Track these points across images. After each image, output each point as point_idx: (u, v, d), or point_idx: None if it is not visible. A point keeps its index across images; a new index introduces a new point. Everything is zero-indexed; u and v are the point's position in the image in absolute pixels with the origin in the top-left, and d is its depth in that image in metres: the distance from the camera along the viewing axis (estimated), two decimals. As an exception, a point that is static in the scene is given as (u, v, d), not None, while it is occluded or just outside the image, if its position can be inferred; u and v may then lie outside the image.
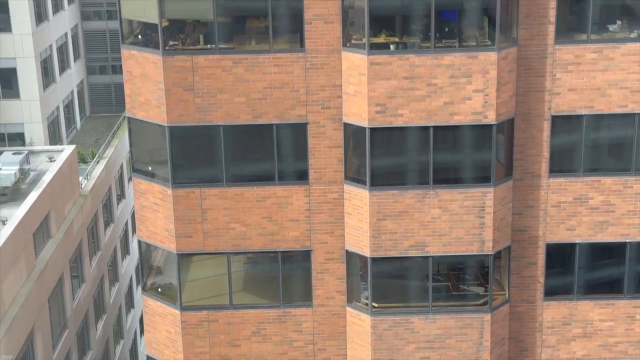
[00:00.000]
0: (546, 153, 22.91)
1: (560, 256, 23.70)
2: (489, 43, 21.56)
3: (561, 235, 23.45)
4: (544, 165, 23.00)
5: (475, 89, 21.67)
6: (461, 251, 22.89)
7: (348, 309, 23.70)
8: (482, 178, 22.48)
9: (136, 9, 22.74)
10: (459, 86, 21.64)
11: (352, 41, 21.83)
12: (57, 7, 51.46)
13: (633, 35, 22.15)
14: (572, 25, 22.18)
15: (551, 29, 21.97)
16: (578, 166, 23.01)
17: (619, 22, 22.22)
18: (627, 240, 23.47)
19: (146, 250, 24.49)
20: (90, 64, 57.50)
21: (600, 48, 22.06)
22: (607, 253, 23.70)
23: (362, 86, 21.72)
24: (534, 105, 22.55)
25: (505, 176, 22.87)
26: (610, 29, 22.20)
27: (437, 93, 21.69)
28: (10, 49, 45.99)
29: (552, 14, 21.87)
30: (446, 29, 21.59)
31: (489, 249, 22.87)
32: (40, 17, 48.02)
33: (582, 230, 23.35)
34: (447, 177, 22.51)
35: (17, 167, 34.37)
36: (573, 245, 23.52)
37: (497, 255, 23.32)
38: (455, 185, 22.48)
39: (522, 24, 21.92)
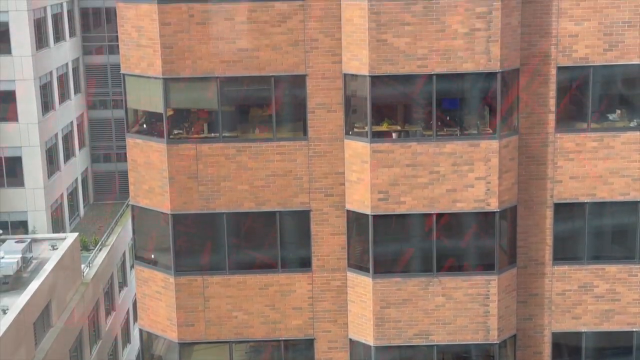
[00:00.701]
0: (549, 240, 22.86)
1: (566, 345, 23.41)
2: (490, 131, 21.76)
3: (567, 324, 23.21)
4: (548, 253, 22.92)
5: (477, 176, 21.77)
6: (466, 340, 22.63)
7: (351, 399, 23.32)
8: (486, 266, 22.39)
9: (141, 99, 23.05)
10: (461, 174, 21.74)
11: (355, 129, 22.04)
12: (64, 96, 52.16)
13: (633, 124, 22.36)
14: (572, 113, 22.42)
15: (551, 118, 22.20)
16: (582, 254, 22.93)
17: (618, 111, 22.47)
18: (634, 329, 23.21)
19: (147, 339, 24.23)
20: (94, 152, 57.99)
21: (601, 136, 22.24)
22: (613, 342, 23.41)
23: (364, 174, 21.84)
24: (537, 193, 22.61)
25: (509, 264, 22.77)
26: (610, 117, 22.44)
27: (440, 180, 21.79)
28: (15, 137, 46.47)
29: (552, 102, 22.14)
30: (447, 118, 21.83)
31: (494, 337, 22.61)
32: (46, 105, 48.65)
33: (587, 319, 23.12)
34: (451, 264, 22.42)
35: (20, 256, 34.33)
36: (579, 334, 23.26)
37: (503, 344, 23.04)
38: (459, 272, 22.37)
39: (522, 113, 22.16)
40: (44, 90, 48.35)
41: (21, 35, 45.44)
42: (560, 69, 21.94)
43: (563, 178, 22.47)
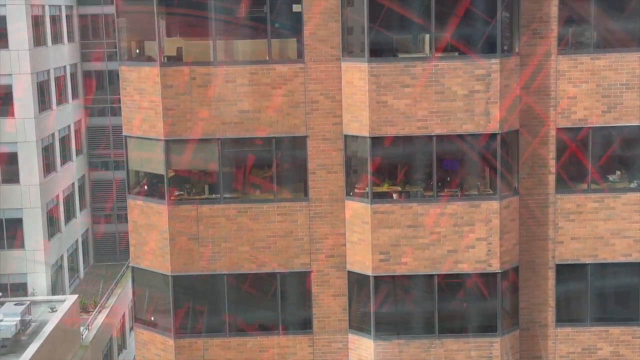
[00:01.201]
0: (552, 302, 22.72)
1: (570, 408, 23.10)
2: (491, 192, 21.80)
3: (571, 387, 22.94)
4: (551, 315, 22.76)
5: (478, 237, 21.73)
6: (469, 403, 22.33)
7: None
8: (489, 327, 22.20)
9: (143, 160, 23.15)
10: (462, 234, 21.71)
11: (356, 190, 22.08)
12: (65, 158, 52.39)
13: (633, 185, 22.40)
14: (572, 174, 22.47)
15: (552, 179, 22.25)
16: (585, 316, 22.77)
17: (618, 172, 22.53)
18: (639, 392, 22.94)
19: (146, 402, 23.92)
20: (95, 213, 58.01)
21: (601, 197, 22.27)
22: (618, 405, 23.11)
23: (365, 234, 21.81)
24: (538, 254, 22.54)
25: (512, 325, 22.59)
26: (610, 178, 22.49)
27: (441, 241, 21.74)
28: (17, 199, 46.52)
29: (552, 163, 22.21)
30: (448, 178, 21.88)
31: (497, 401, 22.32)
32: (48, 167, 48.79)
33: (592, 382, 22.87)
34: (453, 326, 22.24)
35: (18, 319, 34.11)
36: (583, 397, 22.97)
37: (506, 408, 22.74)
38: (461, 334, 22.18)
39: (522, 173, 22.22)
40: (46, 152, 48.49)
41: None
42: (559, 130, 22.06)
43: (564, 239, 22.43)
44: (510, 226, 22.02)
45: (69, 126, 53.11)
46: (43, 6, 48.30)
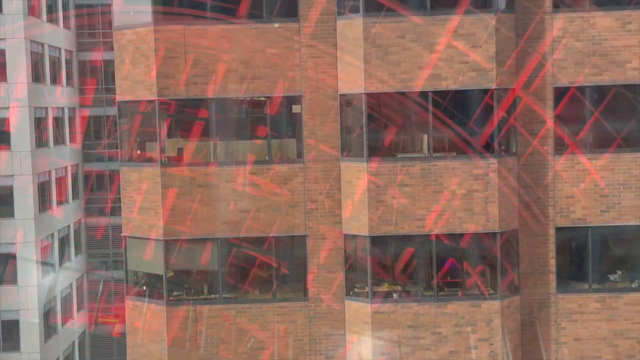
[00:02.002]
0: (556, 404, 22.33)
1: None
2: (492, 291, 21.68)
3: None
4: (555, 418, 22.35)
5: (480, 337, 21.50)
6: None
7: None
8: None
9: (142, 260, 23.10)
10: (463, 335, 21.49)
11: (355, 289, 21.96)
12: (62, 259, 52.23)
13: (634, 284, 22.29)
14: (573, 274, 22.39)
15: (552, 278, 22.16)
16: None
17: (619, 272, 22.45)
18: None
19: None
20: (93, 313, 57.43)
21: (603, 297, 22.13)
22: None
23: (366, 335, 21.57)
24: (541, 355, 22.24)
25: None
26: (611, 278, 22.40)
27: (442, 342, 21.50)
28: (14, 301, 46.20)
29: (552, 263, 22.15)
30: (448, 278, 21.79)
31: None
32: (46, 268, 48.62)
33: None
34: None
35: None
36: None
37: None
38: None
39: (523, 273, 22.13)
40: (45, 259, 48.44)
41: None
42: (558, 229, 22.10)
43: (567, 339, 22.18)
44: (512, 326, 21.80)
45: (68, 226, 53.20)
46: (46, 108, 49.06)
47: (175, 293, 22.34)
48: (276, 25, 21.98)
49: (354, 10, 21.33)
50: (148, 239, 22.37)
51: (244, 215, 21.98)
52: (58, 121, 51.77)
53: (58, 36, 51.47)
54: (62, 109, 52.74)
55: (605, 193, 21.88)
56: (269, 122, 22.22)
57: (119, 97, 22.98)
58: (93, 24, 55.99)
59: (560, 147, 22.02)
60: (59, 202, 51.28)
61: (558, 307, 22.14)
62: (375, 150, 21.49)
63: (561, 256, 22.24)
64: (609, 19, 21.55)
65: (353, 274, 22.10)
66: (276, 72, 21.86)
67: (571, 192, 21.94)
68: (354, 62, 21.34)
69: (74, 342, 53.07)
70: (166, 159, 22.23)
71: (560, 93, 21.87)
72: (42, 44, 48.14)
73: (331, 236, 22.03)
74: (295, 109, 22.11)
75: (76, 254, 54.97)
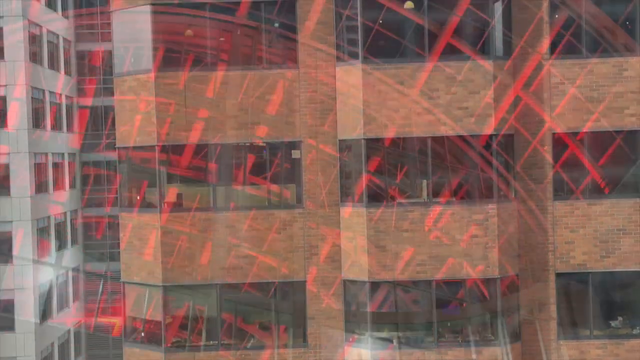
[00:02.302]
0: None
1: None
2: (492, 338, 21.53)
3: None
4: None
5: (481, 385, 21.33)
6: None
7: None
8: None
9: (141, 307, 22.97)
10: (464, 382, 21.32)
11: (355, 335, 21.81)
12: (62, 306, 51.99)
13: (635, 331, 22.15)
14: (573, 320, 22.25)
15: (553, 325, 22.01)
16: None
17: (620, 318, 22.33)
18: None
19: None
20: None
21: (604, 344, 21.97)
22: None
23: (365, 382, 21.42)
24: (543, 404, 22.10)
25: None
26: (613, 324, 22.26)
27: (443, 389, 21.32)
28: (11, 348, 45.91)
29: (553, 309, 22.03)
30: (449, 324, 21.67)
31: None
32: (44, 314, 48.37)
33: None
34: None
35: None
36: None
37: None
38: None
39: (524, 319, 21.99)
40: (42, 300, 48.21)
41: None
42: (559, 275, 22.03)
43: (571, 383, 22.02)
44: (513, 373, 21.65)
45: (66, 273, 53.06)
46: (46, 154, 49.19)
47: (174, 339, 22.19)
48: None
49: (353, 56, 21.51)
50: (147, 284, 22.28)
51: (243, 261, 21.92)
52: (58, 166, 51.86)
53: (57, 83, 51.81)
54: (62, 154, 52.90)
55: (605, 239, 21.85)
56: (269, 168, 22.27)
57: (119, 143, 23.07)
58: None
59: (559, 192, 22.04)
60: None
61: (560, 353, 21.97)
62: (375, 196, 21.50)
63: (562, 302, 22.13)
64: (606, 66, 21.72)
65: (353, 319, 21.96)
66: (276, 117, 21.97)
67: (571, 237, 21.91)
68: (353, 107, 21.47)
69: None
70: (165, 204, 22.23)
71: (559, 139, 21.96)
72: (43, 90, 48.44)
73: (331, 281, 21.95)
74: (295, 154, 22.18)
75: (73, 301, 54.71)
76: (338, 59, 21.84)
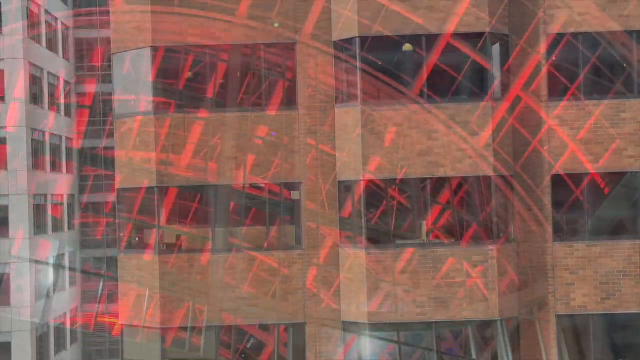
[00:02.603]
0: None
1: None
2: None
3: None
4: None
5: None
6: None
7: None
8: None
9: (138, 350, 22.82)
10: None
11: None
12: (60, 347, 51.67)
13: (637, 378, 22.02)
14: (575, 362, 22.17)
15: (554, 367, 21.90)
16: None
17: (622, 362, 22.21)
18: None
19: None
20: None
21: (607, 386, 21.84)
22: None
23: None
24: None
25: None
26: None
27: None
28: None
29: (554, 352, 21.86)
30: (449, 366, 21.54)
31: None
32: (41, 356, 48.08)
33: None
34: None
35: None
36: None
37: None
38: None
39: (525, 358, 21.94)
40: (40, 342, 47.91)
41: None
42: (559, 317, 21.90)
43: None
44: (514, 417, 21.43)
45: (65, 314, 52.79)
46: (45, 195, 49.25)
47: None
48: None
49: (352, 98, 21.59)
50: (145, 327, 22.14)
51: (242, 303, 21.81)
52: (58, 207, 51.88)
53: (60, 125, 52.03)
54: (61, 195, 52.95)
55: (605, 280, 21.76)
56: (268, 209, 22.25)
57: (118, 184, 23.06)
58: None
59: (559, 233, 22.00)
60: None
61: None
62: (374, 237, 21.45)
63: (562, 344, 21.97)
64: (603, 108, 21.80)
65: (352, 361, 21.83)
66: (275, 159, 22.00)
67: (571, 279, 21.83)
68: (352, 149, 21.50)
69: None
70: (164, 245, 22.18)
71: (557, 179, 21.97)
72: (43, 132, 48.61)
73: (330, 324, 21.80)
74: (295, 195, 22.17)
75: (71, 344, 54.39)
76: (337, 100, 21.93)
